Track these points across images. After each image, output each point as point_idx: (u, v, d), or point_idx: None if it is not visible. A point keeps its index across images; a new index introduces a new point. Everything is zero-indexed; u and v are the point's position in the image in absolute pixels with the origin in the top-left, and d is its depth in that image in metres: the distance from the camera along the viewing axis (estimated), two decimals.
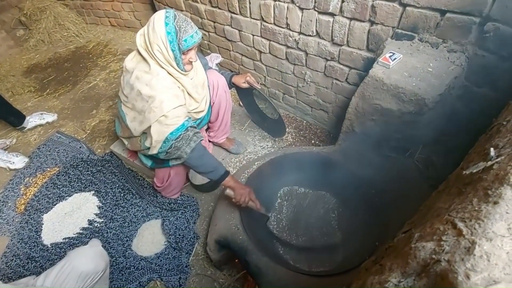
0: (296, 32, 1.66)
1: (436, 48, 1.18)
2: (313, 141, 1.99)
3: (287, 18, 1.63)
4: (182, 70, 1.29)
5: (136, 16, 3.16)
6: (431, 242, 0.35)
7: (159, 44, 1.19)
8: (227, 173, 1.33)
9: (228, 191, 1.30)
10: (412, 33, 1.23)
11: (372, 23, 1.32)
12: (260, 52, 2.00)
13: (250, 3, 1.76)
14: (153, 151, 1.27)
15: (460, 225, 0.34)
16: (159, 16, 1.18)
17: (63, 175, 1.85)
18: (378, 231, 1.20)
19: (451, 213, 0.36)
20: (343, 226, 1.44)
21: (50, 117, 2.29)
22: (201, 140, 1.30)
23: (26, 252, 1.54)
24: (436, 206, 0.43)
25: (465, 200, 0.37)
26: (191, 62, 1.30)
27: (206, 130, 1.89)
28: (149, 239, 1.58)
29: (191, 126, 1.27)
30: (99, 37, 3.37)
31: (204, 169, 1.33)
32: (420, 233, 0.38)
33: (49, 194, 1.77)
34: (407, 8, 1.17)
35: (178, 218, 1.60)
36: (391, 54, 1.20)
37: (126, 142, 1.54)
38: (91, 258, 1.07)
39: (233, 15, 1.94)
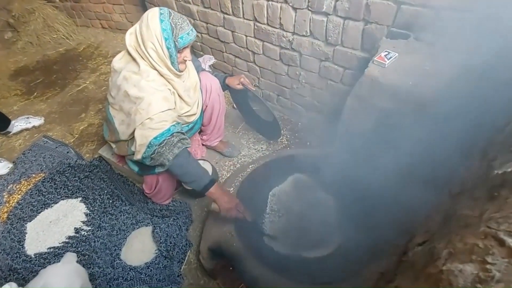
0: (289, 32, 1.62)
1: (432, 47, 1.15)
2: (308, 143, 1.95)
3: (280, 18, 1.60)
4: (176, 69, 1.24)
5: (127, 18, 3.11)
6: (471, 265, 0.27)
7: (153, 42, 1.14)
8: (211, 182, 1.24)
9: (214, 206, 1.23)
10: (407, 32, 1.20)
11: (367, 22, 1.29)
12: (254, 53, 1.96)
13: (243, 3, 1.73)
14: (137, 156, 1.20)
15: (509, 241, 0.27)
16: (153, 13, 1.13)
17: (48, 181, 1.78)
18: (377, 235, 1.16)
19: (490, 223, 0.29)
20: (340, 230, 1.39)
21: (36, 121, 2.21)
22: (186, 147, 1.23)
23: (8, 263, 1.45)
24: (459, 213, 0.37)
25: (504, 206, 0.30)
26: (185, 61, 1.26)
27: (199, 133, 1.84)
28: (139, 247, 1.51)
29: (178, 132, 1.20)
30: (90, 39, 3.31)
31: (186, 178, 1.26)
32: (449, 249, 0.31)
33: (34, 202, 1.69)
34: (402, 6, 1.15)
35: (170, 225, 1.54)
36: (387, 53, 1.17)
37: (113, 146, 1.47)
38: (63, 277, 0.99)
39: (225, 15, 1.91)
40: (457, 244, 0.30)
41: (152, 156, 1.17)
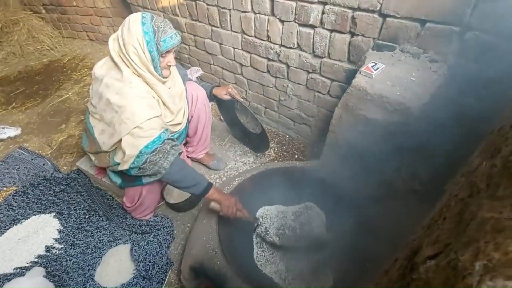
0: (277, 44, 1.63)
1: (418, 59, 1.16)
2: (296, 156, 1.91)
3: (268, 30, 1.60)
4: (159, 74, 1.20)
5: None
6: None
7: (135, 45, 1.10)
8: (210, 185, 1.23)
9: (213, 205, 1.21)
10: (393, 44, 1.21)
11: (353, 34, 1.30)
12: (241, 65, 1.95)
13: (230, 16, 1.73)
14: (124, 167, 1.14)
15: None
16: (135, 17, 1.10)
17: (20, 195, 1.66)
18: (367, 249, 1.11)
19: None
20: (330, 245, 1.34)
21: (12, 132, 2.10)
22: (180, 152, 1.20)
23: None
24: (481, 216, 0.32)
25: None
26: (169, 66, 1.22)
27: (185, 144, 1.78)
28: (115, 267, 1.40)
29: (168, 139, 1.16)
30: (76, 51, 3.26)
31: (185, 183, 1.21)
32: (482, 261, 0.26)
33: (2, 218, 1.56)
34: (387, 18, 1.16)
35: (150, 242, 1.44)
36: (374, 64, 1.17)
37: (93, 158, 1.39)
38: None
39: (213, 28, 1.91)
40: (493, 255, 0.25)
41: (142, 166, 1.13)
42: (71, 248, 1.44)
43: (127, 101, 1.12)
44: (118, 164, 1.18)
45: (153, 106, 1.18)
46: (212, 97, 1.60)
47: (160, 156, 1.13)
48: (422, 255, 0.37)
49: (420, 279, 0.34)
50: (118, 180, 1.35)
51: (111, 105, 1.14)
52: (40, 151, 2.00)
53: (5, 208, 1.60)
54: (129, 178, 1.26)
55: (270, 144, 1.93)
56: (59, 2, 3.12)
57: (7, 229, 1.53)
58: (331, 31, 1.36)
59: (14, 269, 1.38)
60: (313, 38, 1.44)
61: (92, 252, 1.43)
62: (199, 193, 1.21)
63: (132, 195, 1.39)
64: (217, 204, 1.21)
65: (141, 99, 1.14)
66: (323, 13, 1.33)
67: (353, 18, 1.25)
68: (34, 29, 3.24)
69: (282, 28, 1.53)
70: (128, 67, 1.16)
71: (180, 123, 1.40)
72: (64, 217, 1.57)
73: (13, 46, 3.19)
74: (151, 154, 1.11)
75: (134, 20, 1.10)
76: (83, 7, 3.01)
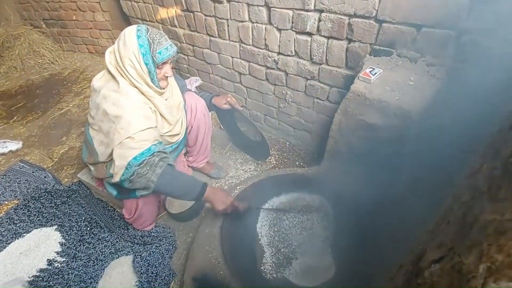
0: (275, 52, 1.64)
1: (415, 63, 1.17)
2: (297, 163, 1.91)
3: (265, 39, 1.62)
4: (156, 86, 1.21)
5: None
6: None
7: (131, 58, 1.11)
8: (204, 187, 1.20)
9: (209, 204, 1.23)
10: (390, 49, 1.22)
11: (350, 40, 1.32)
12: (240, 73, 1.97)
13: (228, 25, 1.76)
14: (116, 179, 1.12)
15: None
16: (130, 30, 1.12)
17: (22, 208, 1.65)
18: (371, 255, 1.10)
19: None
20: (333, 252, 1.32)
21: (14, 145, 2.11)
22: (168, 163, 1.17)
23: None
24: (482, 219, 0.32)
25: None
26: (167, 77, 1.23)
27: (185, 154, 1.78)
28: (118, 279, 1.38)
29: (159, 151, 1.13)
30: (76, 64, 3.29)
31: (177, 193, 1.21)
32: (485, 264, 0.25)
33: (3, 232, 1.55)
34: (383, 24, 1.17)
35: (152, 253, 1.43)
36: (371, 69, 1.18)
37: (92, 169, 1.39)
38: None
39: (211, 38, 1.93)
40: (497, 257, 0.25)
41: (131, 178, 1.10)
42: (73, 261, 1.43)
43: (123, 111, 1.12)
44: (112, 176, 1.17)
45: (149, 117, 1.18)
46: (211, 107, 1.61)
47: (148, 169, 1.10)
48: (426, 260, 0.37)
49: (425, 284, 0.33)
50: (114, 192, 1.34)
51: (108, 116, 1.14)
52: (41, 164, 2.00)
53: (7, 222, 1.60)
54: (124, 190, 1.24)
55: (270, 151, 1.93)
56: (59, 17, 3.17)
57: (9, 243, 1.52)
58: (328, 38, 1.37)
59: None
60: (311, 45, 1.46)
61: (94, 265, 1.42)
62: (195, 199, 1.21)
63: (130, 207, 1.38)
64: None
65: (137, 109, 1.15)
66: (319, 20, 1.34)
67: (349, 24, 1.26)
68: (35, 43, 3.29)
69: (280, 36, 1.55)
70: (125, 78, 1.17)
71: (178, 134, 1.41)
72: (65, 229, 1.56)
73: (14, 60, 3.23)
74: (139, 167, 1.08)
75: (129, 33, 1.11)
76: (83, 21, 3.05)
